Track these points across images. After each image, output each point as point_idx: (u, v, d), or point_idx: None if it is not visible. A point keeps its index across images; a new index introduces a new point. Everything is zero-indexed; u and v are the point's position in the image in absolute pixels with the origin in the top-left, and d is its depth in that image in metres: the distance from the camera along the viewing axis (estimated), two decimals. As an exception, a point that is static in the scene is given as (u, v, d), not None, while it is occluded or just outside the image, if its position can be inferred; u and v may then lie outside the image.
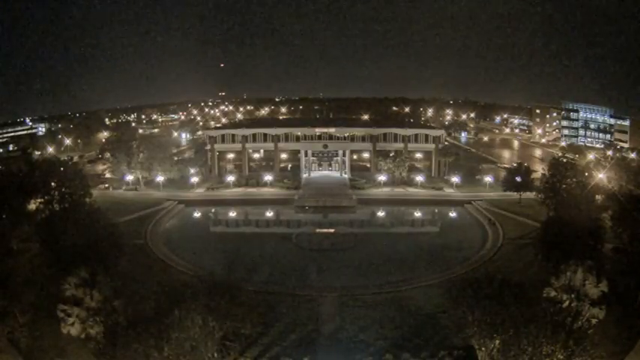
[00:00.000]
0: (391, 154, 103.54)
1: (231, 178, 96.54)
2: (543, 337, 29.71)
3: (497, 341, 30.96)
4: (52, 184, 65.06)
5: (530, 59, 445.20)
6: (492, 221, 71.40)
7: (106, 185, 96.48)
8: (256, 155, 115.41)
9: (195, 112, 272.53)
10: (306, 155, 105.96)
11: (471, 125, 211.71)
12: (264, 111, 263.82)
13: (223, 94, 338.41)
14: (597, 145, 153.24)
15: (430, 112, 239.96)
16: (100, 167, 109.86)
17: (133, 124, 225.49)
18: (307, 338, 38.73)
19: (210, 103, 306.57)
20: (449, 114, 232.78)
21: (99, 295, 33.99)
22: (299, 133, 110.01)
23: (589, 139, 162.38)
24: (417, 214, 74.98)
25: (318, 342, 38.10)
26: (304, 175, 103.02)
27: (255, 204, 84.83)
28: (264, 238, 66.27)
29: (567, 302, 34.56)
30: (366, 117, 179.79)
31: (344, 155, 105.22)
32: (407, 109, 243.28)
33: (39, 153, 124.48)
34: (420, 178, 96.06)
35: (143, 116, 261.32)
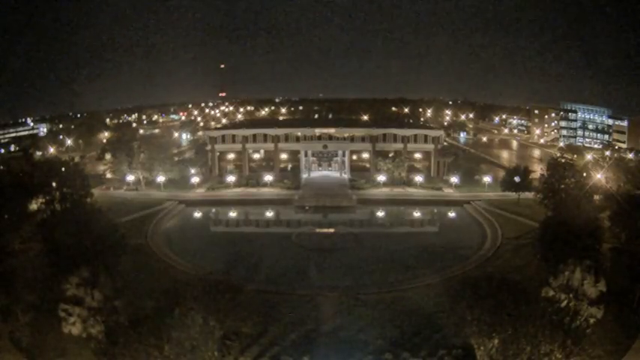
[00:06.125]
0: (390, 155, 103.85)
1: (231, 179, 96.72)
2: (542, 337, 29.95)
3: (496, 340, 31.15)
4: (53, 184, 65.16)
5: (528, 60, 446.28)
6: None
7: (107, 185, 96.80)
8: (256, 155, 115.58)
9: (195, 112, 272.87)
10: (306, 155, 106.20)
11: (470, 126, 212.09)
12: (264, 111, 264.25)
13: (224, 94, 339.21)
14: (595, 146, 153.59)
15: (429, 112, 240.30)
16: (101, 167, 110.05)
17: (134, 125, 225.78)
18: (307, 337, 38.88)
19: (210, 104, 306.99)
20: (448, 114, 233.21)
21: (100, 295, 34.14)
22: (299, 134, 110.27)
23: (587, 140, 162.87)
24: (416, 214, 75.21)
25: (317, 341, 38.27)
26: (304, 176, 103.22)
27: (255, 204, 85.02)
28: (264, 237, 66.43)
29: (565, 302, 34.70)
30: (365, 117, 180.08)
31: (344, 155, 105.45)
32: (406, 110, 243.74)
33: (40, 153, 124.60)
34: (419, 179, 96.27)
35: (144, 117, 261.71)
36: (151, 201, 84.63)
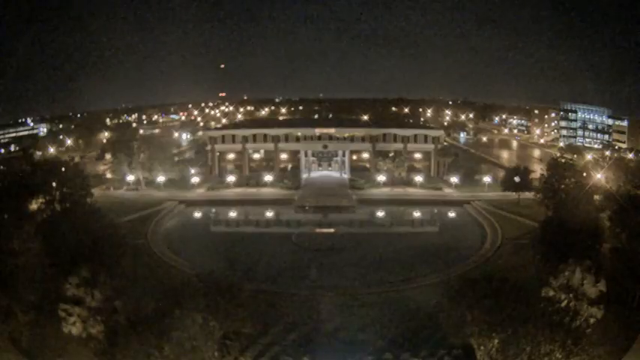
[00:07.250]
0: (390, 155, 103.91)
1: (231, 179, 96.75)
2: (542, 337, 29.87)
3: (496, 340, 31.10)
4: (54, 184, 65.03)
5: (528, 60, 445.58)
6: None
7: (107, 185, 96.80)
8: (256, 155, 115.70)
9: (195, 112, 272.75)
10: (306, 155, 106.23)
11: (470, 126, 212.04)
12: (265, 111, 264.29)
13: (224, 94, 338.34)
14: (595, 146, 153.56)
15: (429, 112, 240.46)
16: (101, 167, 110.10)
17: (134, 125, 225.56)
18: (307, 338, 38.92)
19: (210, 104, 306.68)
20: (448, 114, 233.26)
21: (100, 295, 34.13)
22: (299, 134, 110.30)
23: (587, 140, 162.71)
24: (417, 214, 75.19)
25: (317, 341, 38.28)
26: (304, 176, 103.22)
27: (255, 204, 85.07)
28: (264, 237, 66.54)
29: (566, 302, 34.65)
30: (365, 117, 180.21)
31: (344, 155, 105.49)
32: (406, 110, 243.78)
33: (40, 153, 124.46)
34: (419, 179, 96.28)
35: (144, 117, 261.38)
36: (151, 201, 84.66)
